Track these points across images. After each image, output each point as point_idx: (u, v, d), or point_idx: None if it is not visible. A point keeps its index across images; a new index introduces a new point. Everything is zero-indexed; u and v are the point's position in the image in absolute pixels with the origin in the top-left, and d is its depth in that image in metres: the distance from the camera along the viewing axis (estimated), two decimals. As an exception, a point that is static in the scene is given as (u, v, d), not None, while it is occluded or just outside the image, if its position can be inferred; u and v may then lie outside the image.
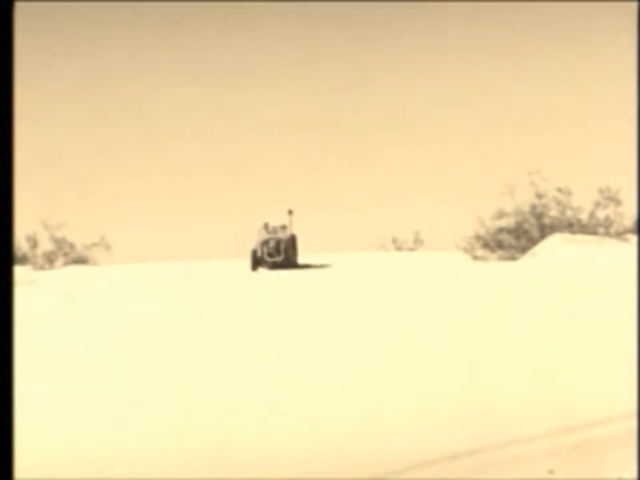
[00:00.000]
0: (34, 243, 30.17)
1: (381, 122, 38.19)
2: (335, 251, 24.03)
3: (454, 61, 36.85)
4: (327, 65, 38.04)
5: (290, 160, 38.42)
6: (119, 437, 7.83)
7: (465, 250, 28.11)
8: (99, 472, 7.13)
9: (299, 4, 35.29)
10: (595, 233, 27.37)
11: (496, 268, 17.48)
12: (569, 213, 28.71)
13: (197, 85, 38.76)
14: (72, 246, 30.42)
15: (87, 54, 37.95)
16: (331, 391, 8.81)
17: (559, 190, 28.69)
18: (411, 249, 32.14)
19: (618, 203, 28.21)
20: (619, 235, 26.81)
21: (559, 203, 28.74)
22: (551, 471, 6.68)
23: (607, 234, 27.39)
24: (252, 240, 21.88)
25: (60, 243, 30.34)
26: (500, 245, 28.77)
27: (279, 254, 21.10)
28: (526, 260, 20.44)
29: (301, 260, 22.00)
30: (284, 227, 22.16)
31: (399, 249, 32.31)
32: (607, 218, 28.33)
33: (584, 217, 28.63)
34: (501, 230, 28.96)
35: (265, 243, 21.26)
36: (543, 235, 26.51)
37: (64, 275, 20.62)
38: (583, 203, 28.71)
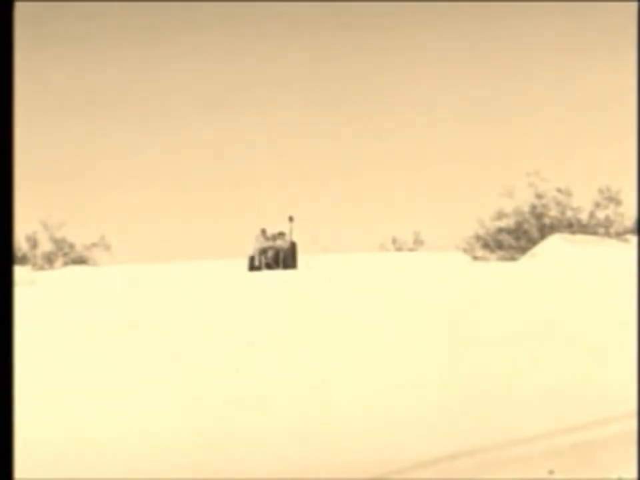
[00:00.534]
0: (34, 243, 30.18)
1: (381, 123, 38.21)
2: (335, 252, 24.03)
3: (454, 63, 36.87)
4: (330, 72, 38.07)
5: (291, 162, 38.44)
6: (119, 437, 7.83)
7: (465, 250, 28.11)
8: (97, 470, 7.14)
9: (297, 17, 35.33)
10: (595, 233, 27.36)
11: (496, 268, 17.46)
12: (569, 214, 28.71)
13: (198, 87, 38.78)
14: (72, 246, 30.42)
15: (88, 55, 37.96)
16: (331, 390, 8.81)
17: (559, 190, 28.69)
18: (410, 250, 32.14)
19: (618, 203, 28.21)
20: (619, 235, 26.81)
21: (558, 203, 28.74)
22: (550, 471, 6.68)
23: (607, 234, 27.39)
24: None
25: (60, 243, 30.35)
26: (500, 246, 28.78)
27: (277, 265, 20.50)
28: (526, 260, 20.43)
29: (300, 260, 21.96)
30: (282, 235, 21.34)
31: (399, 249, 32.31)
32: (606, 218, 28.33)
33: (584, 217, 28.63)
34: (500, 230, 28.96)
35: (263, 252, 20.60)
36: (542, 236, 26.50)
37: (64, 275, 20.61)
38: (582, 203, 28.71)
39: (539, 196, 28.77)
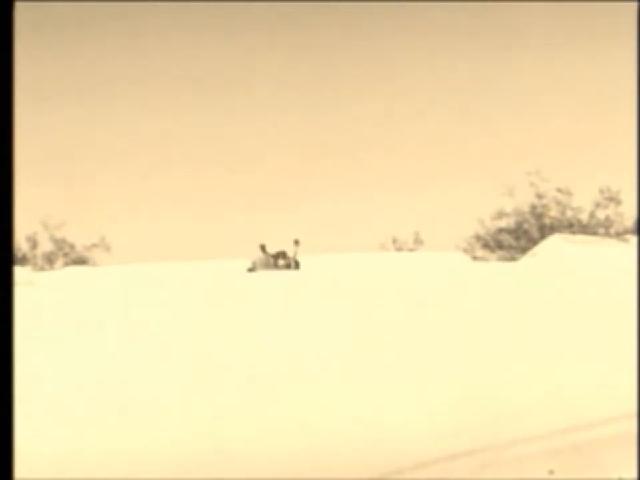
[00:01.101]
0: (34, 244, 30.17)
1: (380, 123, 38.20)
2: (335, 252, 24.02)
3: (453, 62, 36.86)
4: (327, 66, 38.05)
5: (290, 160, 38.42)
6: (119, 438, 7.82)
7: (465, 250, 28.11)
8: (97, 471, 7.13)
9: (294, 11, 35.32)
10: (595, 233, 27.38)
11: (496, 268, 17.46)
12: (569, 214, 28.73)
13: (198, 87, 38.77)
14: (72, 246, 30.42)
15: (87, 55, 37.96)
16: (331, 390, 8.81)
17: (559, 190, 28.71)
18: (410, 250, 32.14)
19: (618, 203, 28.23)
20: (619, 235, 26.82)
21: (559, 203, 28.76)
22: (550, 471, 6.68)
23: (607, 234, 27.40)
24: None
25: (60, 243, 30.35)
26: (500, 246, 28.79)
27: None
28: (526, 260, 20.43)
29: (300, 260, 21.92)
30: (284, 256, 20.53)
31: (399, 249, 32.31)
32: (607, 218, 28.35)
33: (584, 217, 28.66)
34: (500, 230, 28.98)
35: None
36: (542, 236, 26.50)
37: (64, 275, 20.60)
38: (583, 204, 28.73)
39: (539, 196, 28.78)
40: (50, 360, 10.29)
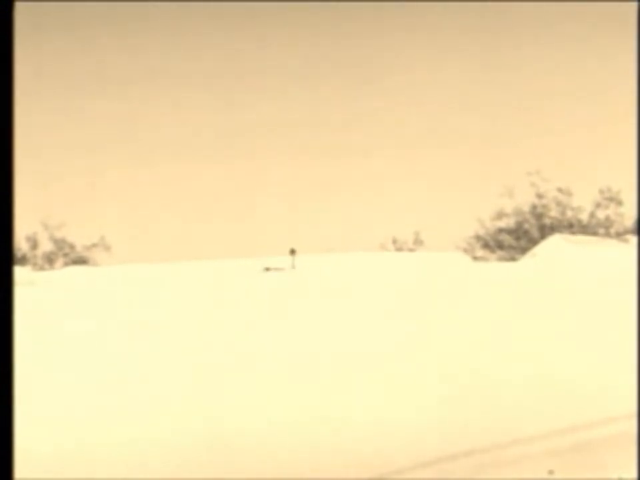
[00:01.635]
0: (34, 244, 30.18)
1: (380, 122, 38.21)
2: (335, 252, 24.02)
3: (453, 63, 36.86)
4: (327, 65, 38.05)
5: (289, 159, 38.42)
6: (119, 439, 7.83)
7: (465, 250, 28.13)
8: (97, 470, 7.14)
9: (295, 11, 35.32)
10: (595, 233, 27.39)
11: (496, 268, 17.47)
12: (569, 214, 28.73)
13: (197, 86, 38.78)
14: (72, 246, 30.43)
15: (87, 55, 37.96)
16: (331, 390, 8.81)
17: (559, 190, 28.71)
18: (410, 250, 32.14)
19: (618, 203, 28.23)
20: (620, 235, 26.82)
21: (559, 203, 28.77)
22: (550, 472, 6.68)
23: (608, 234, 27.42)
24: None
25: (60, 243, 30.37)
26: (500, 246, 28.80)
27: None
28: (526, 260, 20.44)
29: (300, 260, 21.94)
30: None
31: (399, 249, 32.31)
32: (607, 218, 28.36)
33: (584, 217, 28.66)
34: (500, 230, 28.98)
35: None
36: (543, 236, 26.51)
37: (64, 275, 20.61)
38: (583, 204, 28.74)
39: (540, 196, 28.78)
40: (50, 360, 10.29)
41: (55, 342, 11.08)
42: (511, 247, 28.62)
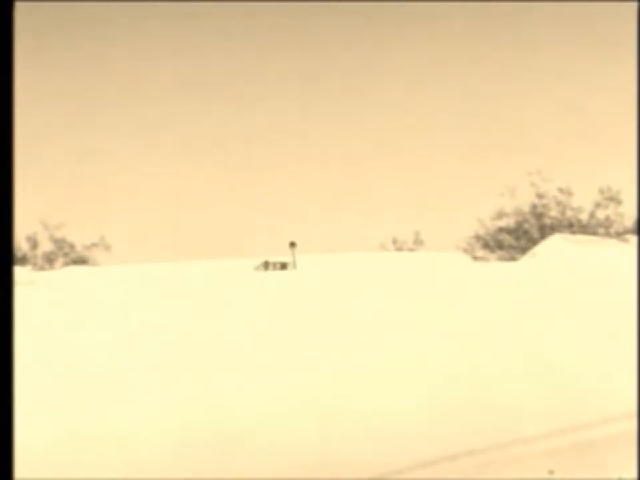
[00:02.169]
0: (34, 244, 30.18)
1: (381, 124, 38.21)
2: (335, 252, 24.02)
3: (454, 65, 36.86)
4: (330, 72, 38.05)
5: (291, 161, 38.43)
6: (120, 438, 7.83)
7: (465, 250, 28.15)
8: (97, 471, 7.14)
9: (298, 13, 35.30)
10: (595, 233, 27.40)
11: (496, 268, 17.47)
12: (569, 213, 28.75)
13: (197, 92, 38.78)
14: (72, 246, 30.45)
15: (87, 56, 37.95)
16: (331, 391, 8.81)
17: (560, 190, 28.73)
18: (410, 250, 32.14)
19: (618, 203, 28.24)
20: (619, 235, 26.83)
21: (559, 203, 28.78)
22: (551, 471, 6.68)
23: (607, 234, 27.43)
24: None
25: (60, 243, 30.38)
26: (500, 246, 28.81)
27: None
28: (526, 260, 20.44)
29: (301, 260, 21.94)
30: (284, 266, 20.73)
31: (399, 249, 32.32)
32: (607, 218, 28.37)
33: (584, 217, 28.67)
34: (500, 230, 29.00)
35: None
36: (543, 235, 26.53)
37: (64, 275, 20.61)
38: (583, 203, 28.75)
39: (540, 196, 28.80)
40: (50, 359, 10.29)
41: (55, 341, 11.08)
42: (511, 247, 28.62)
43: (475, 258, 27.71)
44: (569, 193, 28.77)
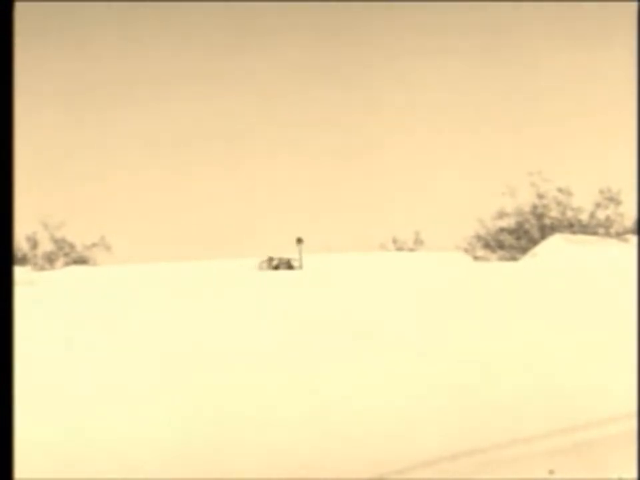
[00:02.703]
0: (34, 244, 30.18)
1: (381, 123, 38.20)
2: (335, 252, 24.02)
3: (454, 62, 36.85)
4: (327, 66, 38.04)
5: (291, 162, 38.42)
6: (120, 440, 7.83)
7: (466, 250, 28.15)
8: (97, 471, 7.14)
9: (299, 16, 35.32)
10: (595, 233, 27.41)
11: (496, 268, 17.47)
12: (570, 214, 28.76)
13: (196, 86, 38.77)
14: (72, 246, 30.45)
15: (86, 55, 37.96)
16: (331, 392, 8.81)
17: (560, 190, 28.73)
18: (411, 250, 32.14)
19: (618, 203, 28.26)
20: (620, 235, 26.83)
21: (559, 203, 28.79)
22: (551, 471, 6.68)
23: (608, 234, 27.43)
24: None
25: (60, 243, 30.38)
26: (500, 246, 28.82)
27: None
28: (527, 260, 20.43)
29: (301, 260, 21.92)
30: (289, 263, 20.45)
31: (399, 249, 32.32)
32: (607, 218, 28.39)
33: (584, 217, 28.68)
34: (501, 230, 29.00)
35: None
36: (543, 236, 26.53)
37: (64, 275, 20.60)
38: (583, 204, 28.77)
39: (540, 196, 28.81)
40: (50, 359, 10.29)
41: (55, 342, 11.08)
42: (511, 247, 28.63)
43: (476, 258, 27.71)
44: (569, 193, 28.78)
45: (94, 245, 30.50)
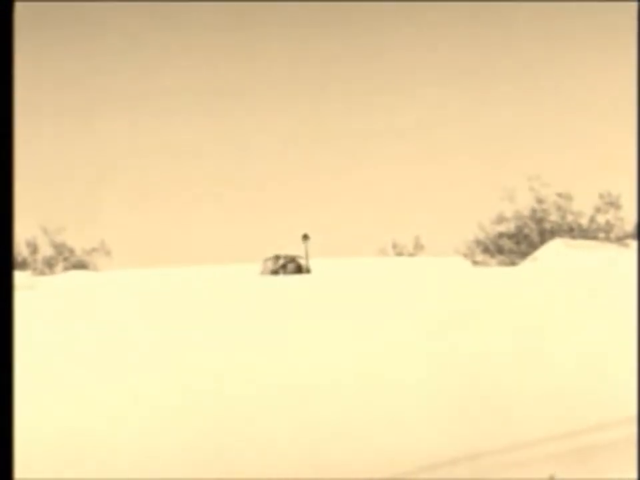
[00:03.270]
0: (34, 248, 30.17)
1: (382, 129, 38.24)
2: (336, 257, 24.01)
3: (454, 69, 36.90)
4: (332, 77, 38.09)
5: (292, 167, 38.46)
6: (121, 443, 7.82)
7: (465, 255, 28.15)
8: (97, 471, 7.13)
9: (298, 24, 35.37)
10: (595, 237, 27.40)
11: (496, 273, 17.47)
12: (570, 218, 28.76)
13: (197, 94, 38.81)
14: (72, 251, 30.44)
15: (88, 59, 37.99)
16: (332, 394, 8.81)
17: (560, 195, 28.73)
18: (411, 254, 32.13)
19: (618, 207, 28.25)
20: (619, 239, 26.83)
21: (559, 207, 28.80)
22: (551, 476, 6.68)
23: (607, 239, 27.42)
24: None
25: (60, 247, 30.37)
26: (500, 250, 28.80)
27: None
28: (526, 265, 20.44)
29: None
30: (293, 261, 20.12)
31: (399, 254, 32.33)
32: (607, 223, 28.38)
33: (584, 221, 28.68)
34: (501, 235, 28.99)
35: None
36: (543, 240, 26.52)
37: (64, 280, 20.59)
38: (583, 208, 28.76)
39: (540, 200, 28.81)
40: (50, 364, 10.29)
41: (54, 346, 11.08)
42: (511, 252, 28.62)
43: (475, 263, 27.72)
44: (568, 198, 28.78)
45: (94, 249, 30.52)
